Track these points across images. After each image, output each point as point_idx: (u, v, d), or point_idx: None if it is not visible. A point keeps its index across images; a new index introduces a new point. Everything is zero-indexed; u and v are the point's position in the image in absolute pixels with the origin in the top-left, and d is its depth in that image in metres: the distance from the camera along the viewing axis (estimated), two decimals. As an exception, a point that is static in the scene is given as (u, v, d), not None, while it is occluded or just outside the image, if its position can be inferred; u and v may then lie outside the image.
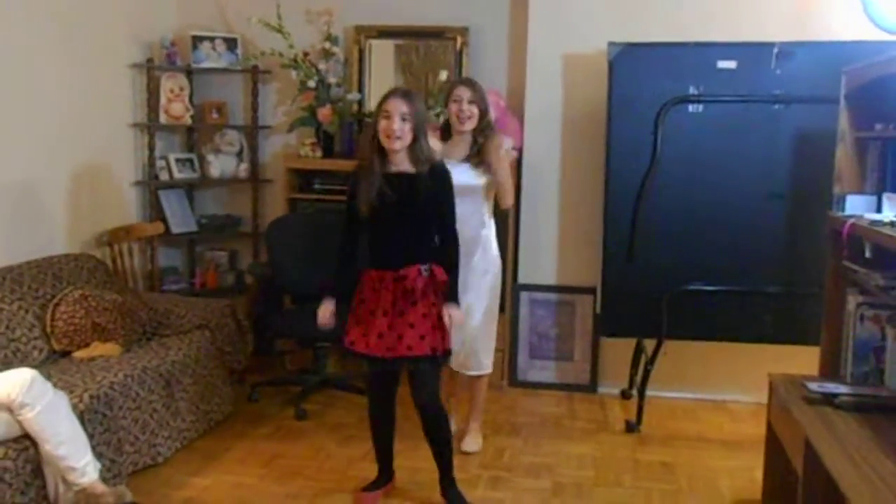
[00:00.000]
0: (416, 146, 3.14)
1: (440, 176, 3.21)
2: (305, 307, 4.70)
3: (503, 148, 3.86)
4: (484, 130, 3.78)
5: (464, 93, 3.73)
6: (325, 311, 3.37)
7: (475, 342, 3.85)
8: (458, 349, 3.70)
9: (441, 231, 3.26)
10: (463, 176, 3.62)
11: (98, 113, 4.72)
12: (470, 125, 3.74)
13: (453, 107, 3.74)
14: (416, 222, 3.21)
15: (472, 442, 4.00)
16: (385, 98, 3.15)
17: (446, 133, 3.88)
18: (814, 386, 2.87)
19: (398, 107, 3.09)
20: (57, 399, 3.02)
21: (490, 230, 3.89)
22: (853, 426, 2.62)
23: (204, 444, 3.96)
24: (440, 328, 3.20)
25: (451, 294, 3.24)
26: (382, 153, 3.17)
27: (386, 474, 3.49)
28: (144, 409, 3.60)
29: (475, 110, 3.72)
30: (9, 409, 2.90)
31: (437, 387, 3.33)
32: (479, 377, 3.96)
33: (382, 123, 3.11)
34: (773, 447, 3.14)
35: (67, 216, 4.49)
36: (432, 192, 3.17)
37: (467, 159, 3.74)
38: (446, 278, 3.20)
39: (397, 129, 3.08)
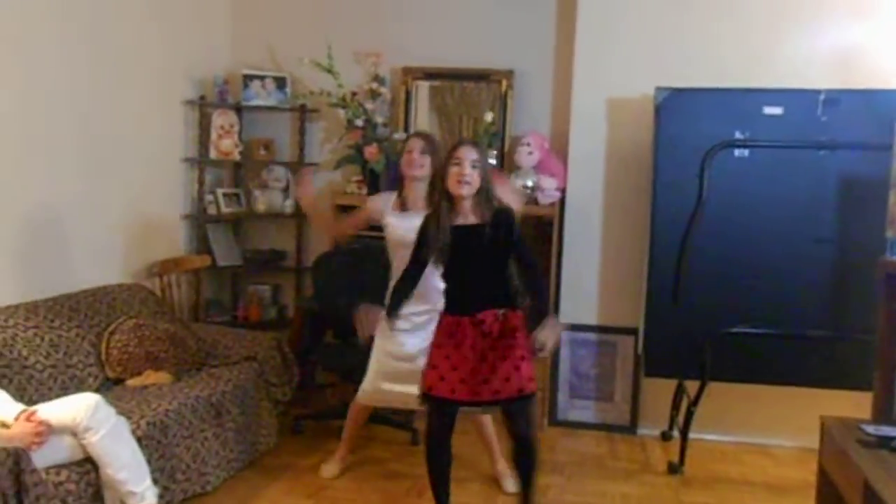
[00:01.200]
0: (482, 194, 3.23)
1: (504, 219, 3.25)
2: (348, 341, 4.79)
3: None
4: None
5: (416, 143, 3.81)
6: (374, 319, 3.40)
7: None
8: None
9: (519, 263, 3.30)
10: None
11: (152, 147, 4.85)
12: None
13: (406, 156, 3.81)
14: (488, 268, 3.27)
15: (512, 482, 4.00)
16: (455, 146, 3.26)
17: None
18: (870, 429, 2.88)
19: (468, 154, 3.20)
20: (119, 424, 3.09)
21: None
22: (911, 469, 2.63)
23: (250, 474, 4.00)
24: (522, 368, 3.22)
25: (541, 312, 3.26)
26: (450, 202, 3.25)
27: None
28: (196, 438, 3.65)
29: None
30: (73, 432, 2.97)
31: (533, 419, 3.36)
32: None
33: (453, 170, 3.20)
34: (826, 490, 3.13)
35: (120, 247, 4.59)
36: (499, 237, 3.22)
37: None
38: (520, 322, 3.25)
39: (467, 175, 3.18)
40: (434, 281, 3.47)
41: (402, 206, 3.85)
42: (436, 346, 3.29)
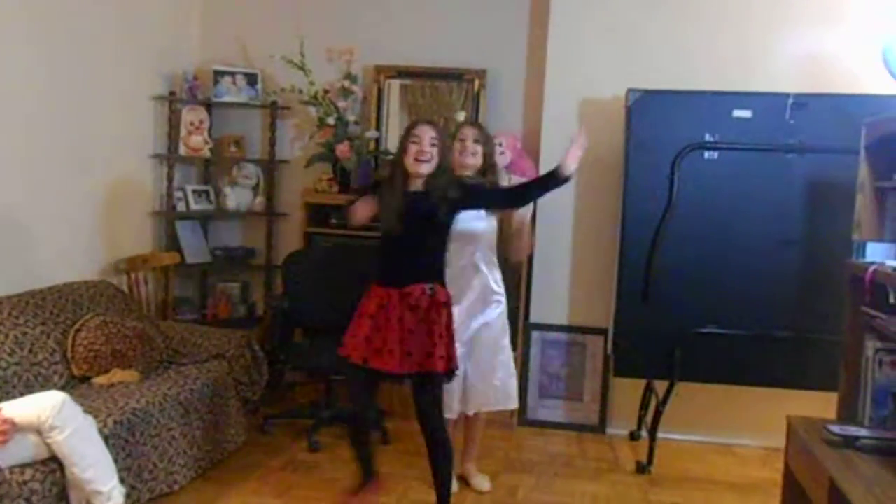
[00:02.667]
0: (437, 172, 3.30)
1: (459, 187, 3.33)
2: (318, 340, 4.77)
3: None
4: (488, 171, 3.83)
5: (469, 132, 3.83)
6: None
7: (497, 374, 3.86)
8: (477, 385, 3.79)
9: (503, 197, 3.53)
10: (469, 222, 3.65)
11: (121, 143, 4.79)
12: (473, 161, 3.78)
13: (458, 145, 3.80)
14: (425, 242, 3.32)
15: (483, 481, 4.01)
16: (414, 124, 3.35)
17: None
18: (836, 428, 2.91)
19: (428, 132, 3.28)
20: (86, 423, 3.04)
21: (496, 274, 3.89)
22: (875, 468, 2.66)
23: (218, 473, 3.96)
24: (446, 346, 3.27)
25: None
26: (404, 176, 3.32)
27: (370, 475, 3.52)
28: (163, 437, 3.61)
29: (479, 148, 3.79)
30: (38, 430, 2.92)
31: (441, 402, 3.40)
32: (477, 414, 3.95)
33: (412, 148, 3.27)
34: (791, 489, 3.17)
35: (87, 243, 4.53)
36: (440, 209, 3.26)
37: None
38: (447, 300, 3.32)
39: (427, 152, 3.25)
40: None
41: None
42: (367, 315, 3.31)
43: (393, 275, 3.32)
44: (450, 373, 3.32)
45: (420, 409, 3.35)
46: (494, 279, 3.86)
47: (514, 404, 3.97)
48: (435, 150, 3.27)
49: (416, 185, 3.32)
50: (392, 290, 3.28)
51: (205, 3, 5.47)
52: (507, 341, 3.93)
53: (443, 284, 3.35)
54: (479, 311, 3.81)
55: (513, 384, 3.92)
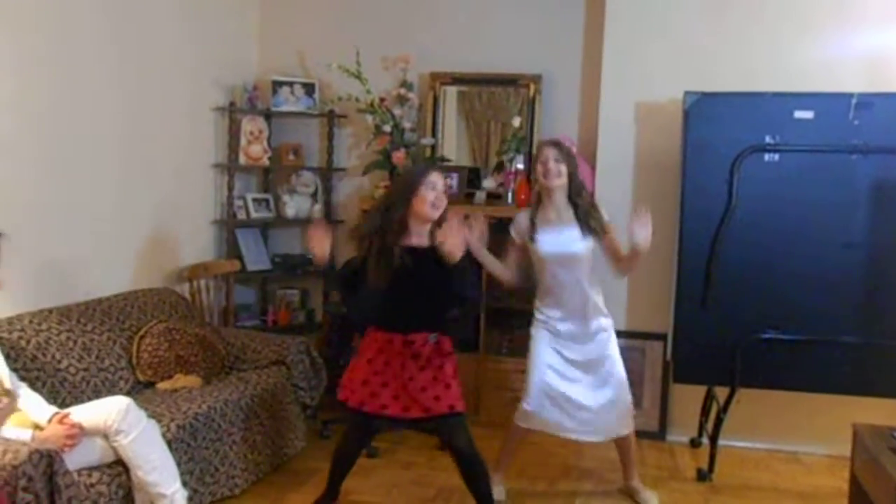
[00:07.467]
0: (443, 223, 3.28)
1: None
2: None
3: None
4: (580, 193, 3.75)
5: (549, 152, 3.71)
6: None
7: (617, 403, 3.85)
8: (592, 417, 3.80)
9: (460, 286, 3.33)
10: (569, 245, 3.69)
11: (183, 153, 4.91)
12: (559, 182, 3.69)
13: (539, 167, 3.72)
14: (429, 293, 3.28)
15: (651, 496, 3.93)
16: (426, 171, 3.34)
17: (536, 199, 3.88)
18: (903, 436, 2.84)
19: (440, 179, 3.30)
20: (150, 427, 3.13)
21: (599, 295, 3.83)
22: (945, 478, 2.59)
23: (278, 478, 4.03)
24: (452, 387, 3.29)
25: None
26: (404, 229, 3.28)
27: (333, 494, 3.61)
28: (224, 441, 3.69)
29: (563, 168, 3.69)
30: (105, 434, 3.01)
31: (470, 435, 3.36)
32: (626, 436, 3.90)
33: (430, 194, 3.24)
34: (858, 498, 3.10)
35: (151, 251, 4.64)
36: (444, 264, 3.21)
37: (574, 226, 3.71)
38: (451, 349, 3.34)
39: (443, 199, 3.28)
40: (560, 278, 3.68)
41: (547, 220, 3.77)
42: (367, 360, 3.34)
43: (395, 320, 3.32)
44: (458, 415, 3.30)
45: (459, 450, 3.32)
46: (597, 298, 3.80)
47: (625, 430, 3.87)
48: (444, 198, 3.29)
49: (420, 235, 3.27)
50: (394, 335, 3.29)
51: (263, 15, 5.57)
52: (620, 366, 3.86)
53: (445, 332, 3.34)
54: (587, 332, 3.78)
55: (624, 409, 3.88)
